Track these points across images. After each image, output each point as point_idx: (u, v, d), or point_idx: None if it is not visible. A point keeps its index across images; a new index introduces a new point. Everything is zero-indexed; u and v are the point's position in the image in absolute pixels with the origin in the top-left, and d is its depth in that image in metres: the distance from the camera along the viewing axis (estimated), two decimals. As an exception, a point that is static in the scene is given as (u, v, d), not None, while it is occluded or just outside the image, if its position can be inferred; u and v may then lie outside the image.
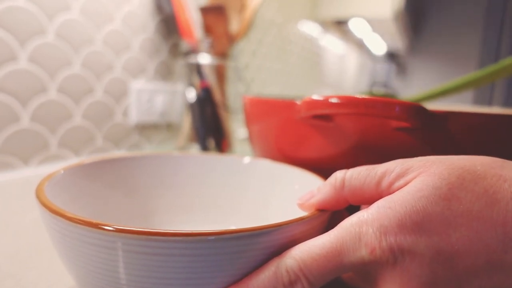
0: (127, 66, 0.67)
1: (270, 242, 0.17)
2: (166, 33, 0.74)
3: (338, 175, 0.20)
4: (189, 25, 0.65)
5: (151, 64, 0.72)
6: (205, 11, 0.67)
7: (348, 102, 0.23)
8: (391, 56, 3.30)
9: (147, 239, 0.15)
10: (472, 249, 0.15)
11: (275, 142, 0.31)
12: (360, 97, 0.22)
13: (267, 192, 0.30)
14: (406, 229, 0.16)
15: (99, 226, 0.15)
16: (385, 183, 0.18)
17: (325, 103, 0.24)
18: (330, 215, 0.21)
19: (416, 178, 0.17)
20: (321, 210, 0.20)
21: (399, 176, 0.18)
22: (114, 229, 0.15)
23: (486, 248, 0.15)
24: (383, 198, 0.17)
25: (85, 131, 0.60)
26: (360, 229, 0.17)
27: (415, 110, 0.22)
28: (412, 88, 3.35)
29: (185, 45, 0.68)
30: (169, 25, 0.75)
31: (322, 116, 0.25)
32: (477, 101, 2.89)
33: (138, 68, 0.69)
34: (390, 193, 0.18)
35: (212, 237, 0.15)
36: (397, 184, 0.18)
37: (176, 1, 0.65)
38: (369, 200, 0.19)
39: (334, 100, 0.23)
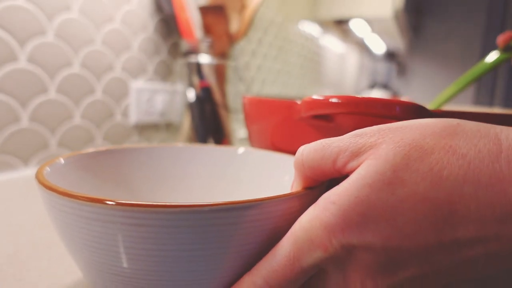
0: (127, 66, 0.67)
1: (261, 215, 0.17)
2: (166, 33, 0.74)
3: (297, 156, 0.20)
4: (189, 25, 0.65)
5: (151, 64, 0.72)
6: (205, 11, 0.67)
7: (348, 102, 0.23)
8: (391, 56, 3.30)
9: (146, 211, 0.16)
10: (421, 231, 0.15)
11: (275, 142, 0.31)
12: (360, 97, 0.22)
13: (262, 182, 0.30)
14: (351, 222, 0.16)
15: (101, 201, 0.16)
16: (340, 162, 0.18)
17: (325, 103, 0.24)
18: (322, 187, 0.21)
19: (364, 163, 0.17)
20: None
21: (353, 155, 0.17)
22: (115, 203, 0.16)
23: (434, 228, 0.15)
24: (329, 191, 0.17)
25: (85, 131, 0.60)
26: (311, 230, 0.17)
27: (415, 110, 0.22)
28: (412, 88, 3.35)
29: (185, 45, 0.68)
30: (169, 25, 0.75)
31: (322, 116, 0.25)
32: (478, 101, 2.89)
33: (138, 68, 0.69)
34: (346, 172, 0.18)
35: (207, 208, 0.16)
36: (351, 165, 0.17)
37: (176, 1, 0.65)
38: (331, 176, 0.19)
39: (334, 100, 0.23)
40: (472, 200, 0.14)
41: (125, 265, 0.17)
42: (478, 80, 0.41)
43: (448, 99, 0.43)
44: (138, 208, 0.16)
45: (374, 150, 0.17)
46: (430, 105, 0.45)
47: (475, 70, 0.41)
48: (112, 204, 0.16)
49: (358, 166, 0.17)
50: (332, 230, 0.16)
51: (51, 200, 0.18)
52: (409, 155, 0.16)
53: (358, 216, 0.16)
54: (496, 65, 0.40)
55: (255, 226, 0.18)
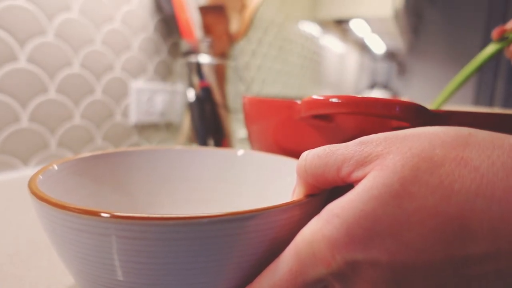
0: (126, 66, 0.67)
1: (262, 225, 0.17)
2: (166, 33, 0.74)
3: (299, 162, 0.20)
4: (189, 25, 0.65)
5: (151, 64, 0.72)
6: (205, 11, 0.67)
7: (349, 102, 0.22)
8: (391, 56, 3.30)
9: (143, 224, 0.15)
10: (429, 246, 0.14)
11: (275, 142, 0.31)
12: (360, 97, 0.22)
13: (263, 184, 0.30)
14: (356, 237, 0.15)
15: (96, 213, 0.16)
16: (344, 171, 0.17)
17: (325, 103, 0.24)
18: (324, 194, 0.21)
19: (370, 174, 0.16)
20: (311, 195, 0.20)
21: (358, 165, 0.17)
22: (110, 216, 0.15)
23: (443, 244, 0.14)
24: (333, 202, 0.17)
25: (85, 131, 0.60)
26: (313, 244, 0.16)
27: (415, 110, 0.22)
28: (412, 88, 3.35)
29: (185, 45, 0.68)
30: (169, 25, 0.75)
31: (322, 116, 0.25)
32: (478, 101, 2.89)
33: (138, 68, 0.69)
34: (351, 181, 0.17)
35: (206, 220, 0.16)
36: (356, 174, 0.17)
37: (176, 1, 0.65)
38: (334, 184, 0.18)
39: (334, 100, 0.23)
40: (485, 215, 0.14)
41: (120, 278, 0.17)
42: (476, 72, 0.44)
43: (451, 94, 0.45)
44: (134, 221, 0.15)
45: (381, 160, 0.16)
46: (434, 102, 0.46)
47: (473, 63, 0.44)
48: (107, 217, 0.15)
49: (364, 176, 0.16)
50: (336, 245, 0.16)
51: (44, 211, 0.17)
52: (418, 167, 0.15)
53: (363, 230, 0.15)
54: (492, 56, 0.43)
55: (255, 237, 0.17)
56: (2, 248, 0.29)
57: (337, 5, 1.63)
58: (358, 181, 0.17)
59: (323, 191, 0.20)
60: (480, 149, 0.15)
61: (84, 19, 0.58)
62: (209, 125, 0.65)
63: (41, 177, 0.22)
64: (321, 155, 0.18)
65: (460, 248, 0.14)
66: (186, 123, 0.69)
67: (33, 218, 0.36)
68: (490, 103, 2.81)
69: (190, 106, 0.65)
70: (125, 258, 0.16)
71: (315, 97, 0.24)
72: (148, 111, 0.72)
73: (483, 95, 2.85)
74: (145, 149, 0.31)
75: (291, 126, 0.28)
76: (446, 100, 0.45)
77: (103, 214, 0.16)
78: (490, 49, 0.43)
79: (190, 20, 0.65)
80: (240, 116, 0.85)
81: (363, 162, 0.17)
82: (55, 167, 0.24)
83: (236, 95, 0.75)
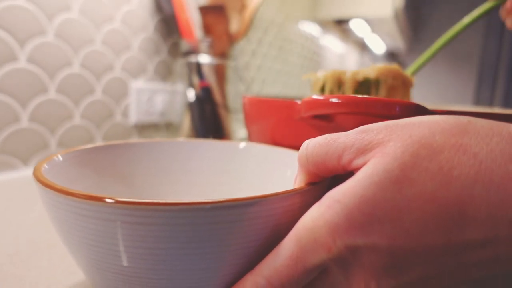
0: (126, 66, 0.67)
1: (263, 212, 0.17)
2: (166, 32, 0.74)
3: (301, 151, 0.20)
4: (189, 25, 0.65)
5: (151, 64, 0.72)
6: (205, 11, 0.67)
7: (349, 102, 0.22)
8: (391, 55, 3.30)
9: (146, 209, 0.16)
10: (428, 231, 0.14)
11: (275, 142, 0.31)
12: (360, 96, 0.22)
13: (264, 176, 0.30)
14: (356, 222, 0.15)
15: (100, 199, 0.16)
16: (345, 159, 0.17)
17: (325, 103, 0.24)
18: (325, 182, 0.21)
19: (371, 161, 0.16)
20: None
21: (359, 153, 0.17)
22: (114, 201, 0.16)
23: (442, 229, 0.14)
24: (334, 189, 0.17)
25: (85, 131, 0.60)
26: (314, 230, 0.16)
27: (415, 109, 0.22)
28: (413, 88, 3.34)
29: (185, 45, 0.68)
30: (169, 25, 0.75)
31: (323, 116, 0.25)
32: (478, 101, 2.89)
33: (137, 68, 0.69)
34: (352, 169, 0.17)
35: (208, 206, 0.16)
36: (356, 162, 0.17)
37: (176, 1, 0.65)
38: (335, 173, 0.19)
39: (334, 100, 0.23)
40: (483, 201, 0.14)
41: (125, 263, 0.17)
42: (469, 26, 0.44)
43: (447, 43, 0.45)
44: (138, 206, 0.16)
45: (382, 147, 0.16)
46: (432, 46, 0.46)
47: (470, 17, 0.44)
48: (111, 202, 0.16)
49: (364, 163, 0.16)
50: (337, 230, 0.16)
51: (49, 197, 0.18)
52: (418, 153, 0.15)
53: (363, 215, 0.15)
54: (487, 11, 0.43)
55: (257, 223, 0.17)
56: (2, 248, 0.29)
57: (337, 5, 1.63)
58: (358, 168, 0.17)
59: (324, 179, 0.20)
60: (479, 136, 0.15)
61: (84, 19, 0.58)
62: (209, 125, 0.65)
63: (46, 166, 0.22)
64: (322, 144, 0.18)
65: (458, 234, 0.14)
66: (186, 123, 0.69)
67: (33, 218, 0.36)
68: (490, 103, 2.81)
69: (190, 106, 0.65)
70: (129, 243, 0.16)
71: (315, 97, 0.24)
72: (148, 111, 0.72)
73: (483, 95, 2.85)
74: (147, 141, 0.31)
75: (291, 126, 0.28)
76: (441, 47, 0.45)
77: (107, 200, 0.16)
78: (487, 5, 0.43)
79: (190, 20, 0.65)
80: (240, 116, 0.85)
81: (364, 149, 0.17)
82: (60, 157, 0.24)
83: (236, 95, 0.75)
